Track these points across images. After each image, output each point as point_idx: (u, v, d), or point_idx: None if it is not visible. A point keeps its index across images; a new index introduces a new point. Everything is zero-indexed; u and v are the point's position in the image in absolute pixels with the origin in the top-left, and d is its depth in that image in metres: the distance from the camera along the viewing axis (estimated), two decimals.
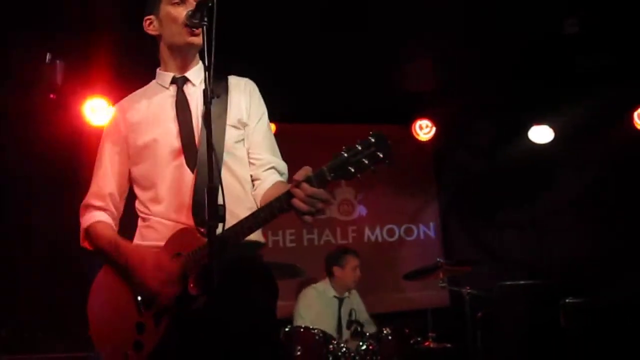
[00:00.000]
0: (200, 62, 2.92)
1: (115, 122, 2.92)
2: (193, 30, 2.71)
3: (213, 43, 2.31)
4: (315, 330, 5.35)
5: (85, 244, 2.89)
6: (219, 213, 2.15)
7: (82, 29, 5.46)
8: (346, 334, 5.87)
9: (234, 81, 2.90)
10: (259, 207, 2.70)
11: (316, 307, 6.10)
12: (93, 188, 2.91)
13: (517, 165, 7.73)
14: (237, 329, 2.52)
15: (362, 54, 6.37)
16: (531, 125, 7.68)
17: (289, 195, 2.37)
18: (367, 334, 5.56)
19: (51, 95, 6.10)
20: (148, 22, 2.85)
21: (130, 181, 2.90)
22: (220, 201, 2.27)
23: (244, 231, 2.49)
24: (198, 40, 2.72)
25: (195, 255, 2.53)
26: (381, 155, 2.27)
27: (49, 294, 5.88)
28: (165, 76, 2.89)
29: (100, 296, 2.78)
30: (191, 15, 2.61)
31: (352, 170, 2.29)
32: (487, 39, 6.31)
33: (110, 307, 2.72)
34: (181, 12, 2.72)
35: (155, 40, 2.89)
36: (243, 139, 2.83)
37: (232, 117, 2.79)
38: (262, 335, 2.66)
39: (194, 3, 2.70)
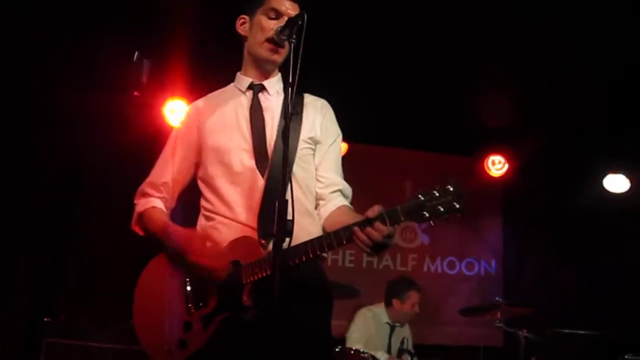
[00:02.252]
0: (279, 74, 2.96)
1: (188, 122, 2.99)
2: (276, 48, 2.77)
3: (299, 61, 2.33)
4: (366, 355, 5.33)
5: (136, 228, 2.96)
6: (287, 228, 2.16)
7: (169, 30, 5.62)
8: None
9: (310, 100, 2.94)
10: (322, 225, 2.76)
11: (370, 329, 6.06)
12: (151, 177, 2.98)
13: (587, 212, 7.52)
14: (288, 346, 2.44)
15: (441, 82, 6.37)
16: (607, 173, 7.52)
17: (359, 227, 2.37)
18: None
19: (135, 93, 6.27)
20: (242, 21, 2.92)
21: (189, 180, 2.98)
22: (289, 216, 2.27)
23: (307, 253, 2.47)
24: (278, 58, 2.82)
25: (253, 267, 2.54)
26: (458, 206, 2.29)
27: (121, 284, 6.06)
28: (243, 81, 2.94)
29: (149, 287, 2.81)
30: (280, 31, 2.64)
31: (427, 215, 2.29)
32: (569, 80, 6.22)
33: (159, 300, 2.75)
34: (271, 26, 2.76)
35: (241, 40, 2.95)
36: (312, 154, 2.86)
37: (304, 132, 2.82)
38: (313, 356, 2.65)
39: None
